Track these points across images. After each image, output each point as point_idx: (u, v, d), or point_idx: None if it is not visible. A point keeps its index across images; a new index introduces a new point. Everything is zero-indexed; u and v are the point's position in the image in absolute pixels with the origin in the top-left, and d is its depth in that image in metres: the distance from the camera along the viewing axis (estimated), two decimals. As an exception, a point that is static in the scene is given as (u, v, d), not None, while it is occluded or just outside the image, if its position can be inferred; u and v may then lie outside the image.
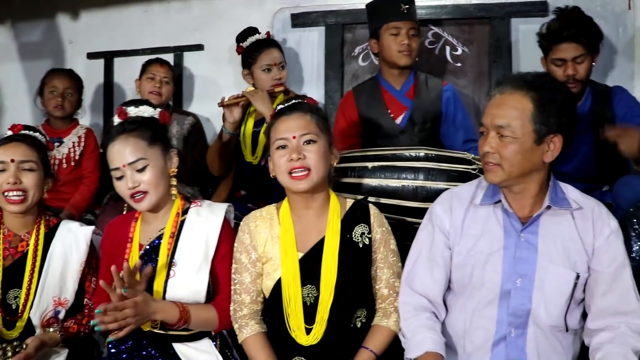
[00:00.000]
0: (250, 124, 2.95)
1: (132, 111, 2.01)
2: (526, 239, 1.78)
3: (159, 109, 2.07)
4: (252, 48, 2.97)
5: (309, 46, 3.45)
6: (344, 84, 3.39)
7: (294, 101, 1.99)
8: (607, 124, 2.59)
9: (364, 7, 3.00)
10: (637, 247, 1.87)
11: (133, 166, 1.93)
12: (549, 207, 1.78)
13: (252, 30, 3.06)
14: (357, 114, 2.86)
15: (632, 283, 1.74)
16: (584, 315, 1.79)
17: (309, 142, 1.90)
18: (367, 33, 2.99)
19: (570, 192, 1.83)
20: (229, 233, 2.03)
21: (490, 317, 1.77)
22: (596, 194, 2.54)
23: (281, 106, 1.98)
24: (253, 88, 2.92)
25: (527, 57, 3.20)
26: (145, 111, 2.03)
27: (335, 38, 3.38)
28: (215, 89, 3.54)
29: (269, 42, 3.01)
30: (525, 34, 3.22)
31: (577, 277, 1.74)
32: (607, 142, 2.63)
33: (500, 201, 1.82)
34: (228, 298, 1.97)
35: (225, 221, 2.04)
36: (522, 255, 1.77)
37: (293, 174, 1.88)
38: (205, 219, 2.02)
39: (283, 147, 1.90)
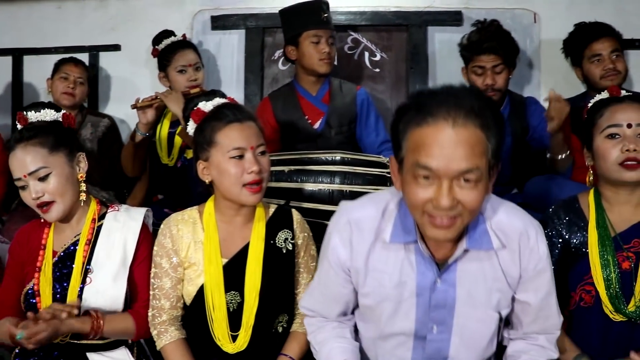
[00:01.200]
0: (166, 125, 2.91)
1: (33, 116, 1.90)
2: (443, 280, 1.53)
3: (62, 111, 1.96)
4: (167, 50, 2.96)
5: (229, 49, 3.42)
6: (264, 88, 3.38)
7: (218, 100, 1.92)
8: (522, 131, 2.79)
9: (285, 11, 3.01)
10: (556, 248, 1.90)
11: (35, 175, 1.83)
12: (466, 251, 1.51)
13: (167, 33, 3.05)
14: (274, 120, 2.88)
15: (555, 304, 1.63)
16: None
17: (263, 152, 1.87)
18: (288, 37, 3.02)
19: (495, 218, 1.53)
20: (147, 238, 1.98)
21: (405, 358, 1.63)
22: (507, 197, 2.66)
23: (208, 105, 1.90)
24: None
25: (443, 64, 3.33)
26: (47, 115, 1.92)
27: (256, 41, 3.37)
28: (132, 90, 3.42)
29: (184, 44, 3.00)
30: (441, 41, 3.34)
31: (500, 318, 1.59)
32: (522, 148, 2.78)
33: (414, 241, 1.51)
34: (146, 305, 1.92)
35: (144, 226, 1.98)
36: (439, 302, 1.54)
37: (249, 187, 1.82)
38: (123, 224, 1.96)
39: (240, 157, 1.82)
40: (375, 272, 1.56)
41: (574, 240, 1.89)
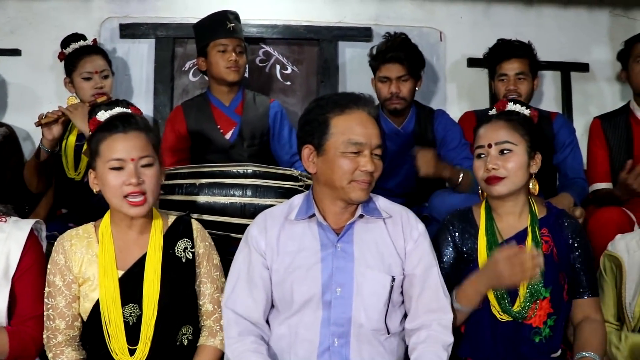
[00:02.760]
0: (72, 138, 2.80)
1: None
2: (342, 248, 1.83)
3: None
4: (74, 55, 2.85)
5: (138, 58, 3.33)
6: (174, 99, 3.31)
7: (118, 110, 1.89)
8: (428, 144, 2.84)
9: (196, 21, 2.97)
10: (449, 254, 2.01)
11: None
12: (361, 216, 1.86)
13: (76, 37, 2.93)
14: (186, 129, 2.85)
15: (440, 280, 1.88)
16: (405, 317, 1.89)
17: (147, 165, 1.83)
18: (199, 48, 3.00)
19: (380, 201, 1.93)
20: (32, 248, 1.90)
21: (314, 329, 1.79)
22: (415, 209, 2.74)
23: (105, 114, 1.87)
24: (74, 97, 2.77)
25: (353, 79, 3.41)
26: None
27: (166, 51, 3.30)
28: (33, 98, 3.27)
29: (92, 49, 2.90)
30: (351, 56, 3.41)
31: (393, 279, 1.82)
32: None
33: (314, 215, 1.86)
34: (25, 321, 1.84)
35: (32, 236, 1.91)
36: (340, 265, 1.81)
37: (130, 199, 1.80)
38: (8, 235, 1.87)
39: (119, 168, 1.80)
40: (285, 247, 1.86)
41: (465, 248, 2.00)
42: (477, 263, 1.96)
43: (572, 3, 3.60)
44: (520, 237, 1.95)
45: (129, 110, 1.91)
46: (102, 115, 1.87)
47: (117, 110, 1.89)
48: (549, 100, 3.59)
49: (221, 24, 2.82)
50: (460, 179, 2.56)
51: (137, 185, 1.78)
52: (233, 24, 2.84)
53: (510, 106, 2.04)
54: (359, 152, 1.78)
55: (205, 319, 1.93)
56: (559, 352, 1.94)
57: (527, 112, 2.04)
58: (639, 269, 2.06)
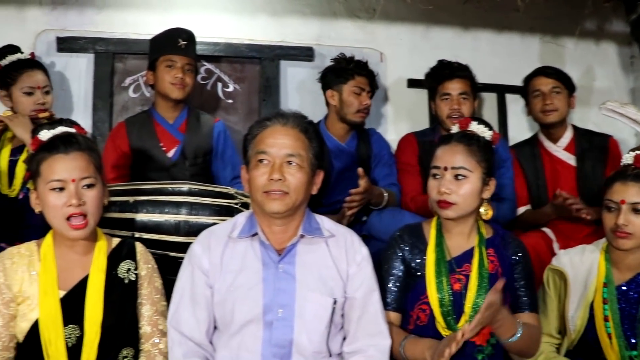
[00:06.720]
0: (5, 153, 2.71)
1: None
2: (284, 269, 1.83)
3: None
4: (12, 67, 2.75)
5: (77, 73, 3.25)
6: (113, 115, 3.25)
7: (62, 129, 1.86)
8: (367, 160, 2.99)
9: (136, 37, 3.01)
10: (399, 268, 2.00)
11: None
12: (302, 236, 1.87)
13: (13, 49, 2.83)
14: (128, 146, 2.81)
15: (380, 306, 1.89)
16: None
17: (89, 186, 1.81)
18: (139, 64, 3.05)
19: (325, 222, 1.95)
20: None
21: (255, 350, 1.78)
22: (357, 225, 2.78)
23: (48, 134, 1.83)
24: (10, 112, 2.70)
25: (294, 97, 3.45)
26: None
27: (105, 67, 3.24)
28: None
29: (32, 63, 2.82)
30: (292, 75, 3.45)
31: (335, 302, 1.83)
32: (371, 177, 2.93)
33: (257, 234, 1.87)
34: None
35: None
36: (281, 286, 1.81)
37: (72, 222, 1.77)
38: None
39: (60, 189, 1.77)
40: (228, 266, 1.85)
41: (414, 263, 2.00)
42: (425, 278, 1.96)
43: (505, 29, 3.74)
44: (467, 256, 1.98)
45: (73, 130, 1.89)
46: (45, 135, 1.84)
47: (60, 129, 1.86)
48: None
49: (172, 41, 2.81)
50: (385, 202, 2.69)
51: (78, 206, 1.76)
52: (185, 42, 2.82)
53: (474, 126, 2.04)
54: (267, 162, 1.82)
55: (144, 342, 1.89)
56: (501, 370, 1.97)
57: (489, 134, 2.05)
58: (582, 284, 2.11)
